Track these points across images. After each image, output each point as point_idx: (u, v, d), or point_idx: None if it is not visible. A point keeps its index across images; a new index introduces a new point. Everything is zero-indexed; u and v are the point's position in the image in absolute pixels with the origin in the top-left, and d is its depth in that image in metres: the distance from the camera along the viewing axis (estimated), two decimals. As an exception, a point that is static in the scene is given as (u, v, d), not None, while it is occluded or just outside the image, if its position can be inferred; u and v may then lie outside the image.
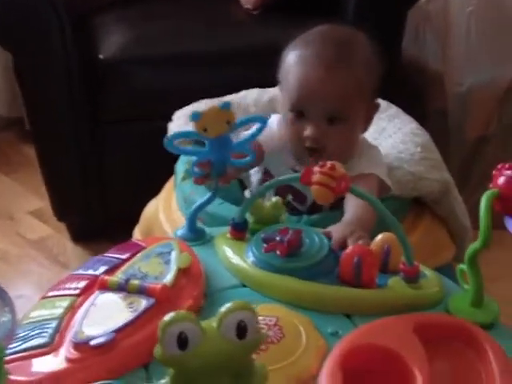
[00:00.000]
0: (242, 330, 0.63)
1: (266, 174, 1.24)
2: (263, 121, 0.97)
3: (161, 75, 1.73)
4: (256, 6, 1.85)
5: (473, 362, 0.80)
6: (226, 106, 0.91)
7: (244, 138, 0.97)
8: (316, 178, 0.82)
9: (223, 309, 0.64)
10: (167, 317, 0.62)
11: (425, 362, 0.76)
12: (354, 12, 1.78)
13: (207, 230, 1.02)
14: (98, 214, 1.87)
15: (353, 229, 0.99)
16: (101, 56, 1.72)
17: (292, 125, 1.17)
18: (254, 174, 1.27)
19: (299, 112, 1.16)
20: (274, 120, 1.25)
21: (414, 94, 2.00)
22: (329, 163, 0.82)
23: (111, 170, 1.83)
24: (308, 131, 1.15)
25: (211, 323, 0.63)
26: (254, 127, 0.97)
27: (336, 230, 0.99)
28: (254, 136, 0.97)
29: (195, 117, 0.90)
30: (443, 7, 1.87)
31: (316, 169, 0.82)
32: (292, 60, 1.17)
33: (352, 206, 1.06)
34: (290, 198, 1.20)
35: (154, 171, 1.37)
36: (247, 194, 1.29)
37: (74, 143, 1.77)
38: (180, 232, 1.02)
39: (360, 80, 1.16)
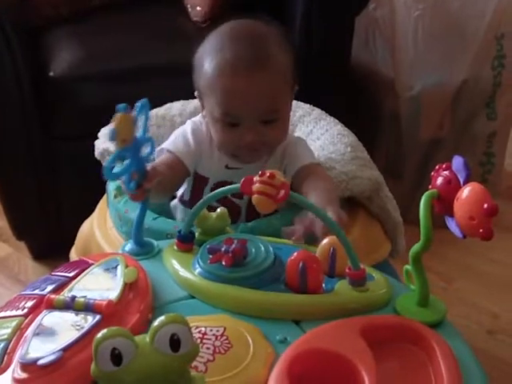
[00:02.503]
0: (175, 343, 0.63)
1: (198, 178, 1.23)
2: (143, 103, 0.94)
3: (111, 91, 1.72)
4: (205, 18, 1.85)
5: (421, 362, 0.81)
6: (123, 108, 0.89)
7: (142, 130, 0.95)
8: (256, 187, 0.82)
9: (156, 323, 0.64)
10: (100, 334, 0.62)
11: (372, 364, 0.77)
12: (301, 20, 1.79)
13: (155, 243, 1.03)
14: (57, 232, 1.86)
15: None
16: (51, 73, 1.70)
17: (226, 134, 1.16)
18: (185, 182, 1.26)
19: (233, 123, 1.14)
20: (199, 122, 1.25)
21: (367, 98, 2.02)
22: (268, 172, 0.82)
23: (66, 187, 1.82)
24: (247, 139, 1.14)
25: (145, 338, 0.64)
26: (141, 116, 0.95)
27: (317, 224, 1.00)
28: (147, 119, 0.95)
29: (112, 135, 0.89)
30: (390, 13, 1.90)
31: (256, 178, 0.83)
32: (212, 67, 1.13)
33: (315, 193, 1.08)
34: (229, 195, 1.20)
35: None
36: (174, 203, 1.30)
37: (28, 162, 1.76)
38: (128, 247, 1.02)
39: (284, 74, 1.15)
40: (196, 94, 1.22)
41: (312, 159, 1.22)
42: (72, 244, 1.45)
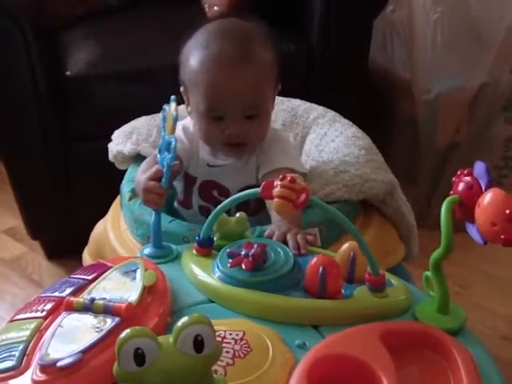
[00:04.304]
0: (199, 344, 0.62)
1: (187, 177, 1.26)
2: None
3: (128, 91, 1.73)
4: (222, 18, 1.85)
5: (441, 369, 0.80)
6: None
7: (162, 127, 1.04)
8: (276, 191, 0.82)
9: (179, 323, 0.63)
10: (123, 333, 0.62)
11: (392, 370, 0.76)
12: (319, 22, 1.79)
13: (173, 247, 1.03)
14: (71, 232, 1.87)
15: (289, 226, 1.03)
16: (68, 73, 1.71)
17: (210, 127, 1.18)
18: (178, 182, 1.29)
19: (217, 116, 1.16)
20: (188, 123, 1.27)
21: (383, 102, 2.01)
22: (289, 176, 0.82)
23: (81, 187, 1.83)
24: (231, 131, 1.16)
25: (168, 338, 0.63)
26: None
27: (275, 228, 1.05)
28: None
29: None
30: (408, 16, 1.89)
31: (276, 182, 0.83)
32: (197, 62, 1.16)
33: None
34: (215, 194, 1.23)
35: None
36: (175, 204, 1.31)
37: (44, 161, 1.77)
38: (146, 250, 1.02)
39: (266, 71, 1.18)
40: (181, 89, 1.23)
41: (282, 163, 1.20)
42: (86, 244, 1.45)
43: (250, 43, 1.17)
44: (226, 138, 1.17)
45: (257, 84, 1.16)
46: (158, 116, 1.44)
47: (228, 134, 1.16)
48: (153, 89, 1.72)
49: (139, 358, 0.61)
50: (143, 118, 1.47)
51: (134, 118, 1.50)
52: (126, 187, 1.31)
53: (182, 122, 1.29)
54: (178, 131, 1.26)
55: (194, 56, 1.17)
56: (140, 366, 0.61)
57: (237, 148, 1.19)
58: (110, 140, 1.47)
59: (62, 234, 1.90)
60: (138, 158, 1.35)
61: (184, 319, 0.63)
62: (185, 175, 1.26)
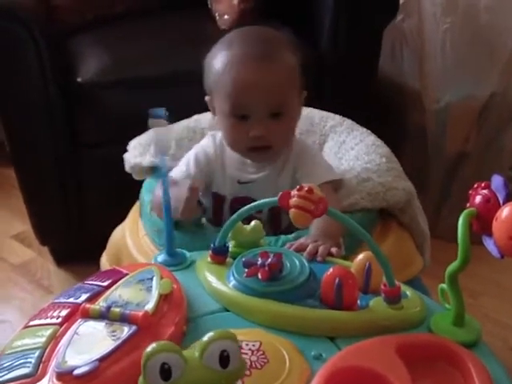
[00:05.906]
0: (224, 360, 0.62)
1: (216, 196, 1.26)
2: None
3: (138, 98, 1.72)
4: (232, 26, 1.85)
5: (456, 382, 0.80)
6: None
7: None
8: (294, 201, 0.82)
9: (205, 338, 0.63)
10: (149, 348, 0.62)
11: (408, 382, 0.76)
12: (329, 32, 1.79)
13: (188, 254, 1.03)
14: (80, 238, 1.87)
15: (315, 238, 1.04)
16: (79, 79, 1.71)
17: (236, 128, 1.18)
18: (206, 201, 1.28)
19: (242, 114, 1.16)
20: (206, 143, 1.27)
21: (393, 111, 2.02)
22: (306, 186, 0.82)
23: (91, 193, 1.83)
24: (255, 131, 1.16)
25: (194, 353, 0.63)
26: None
27: (303, 239, 1.06)
28: None
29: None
30: (418, 25, 1.89)
31: (294, 192, 0.82)
32: (221, 64, 1.17)
33: (317, 220, 1.07)
34: None
35: (133, 194, 1.37)
36: (204, 220, 1.29)
37: (54, 167, 1.77)
38: (160, 258, 1.02)
39: (291, 70, 1.18)
40: (207, 98, 1.24)
41: (324, 177, 1.21)
42: (95, 250, 1.45)
43: (274, 44, 1.18)
44: (251, 141, 1.17)
45: (281, 82, 1.16)
46: (175, 127, 1.44)
47: (253, 135, 1.16)
48: (163, 96, 1.71)
49: (165, 372, 0.61)
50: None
51: (144, 125, 1.49)
52: (146, 197, 1.30)
53: (201, 143, 1.30)
54: (190, 159, 1.26)
55: (217, 58, 1.18)
56: (166, 381, 0.61)
57: (262, 151, 1.19)
58: (121, 147, 1.46)
59: (71, 240, 1.90)
60: (157, 169, 1.35)
61: (210, 334, 0.63)
62: (213, 195, 1.26)
